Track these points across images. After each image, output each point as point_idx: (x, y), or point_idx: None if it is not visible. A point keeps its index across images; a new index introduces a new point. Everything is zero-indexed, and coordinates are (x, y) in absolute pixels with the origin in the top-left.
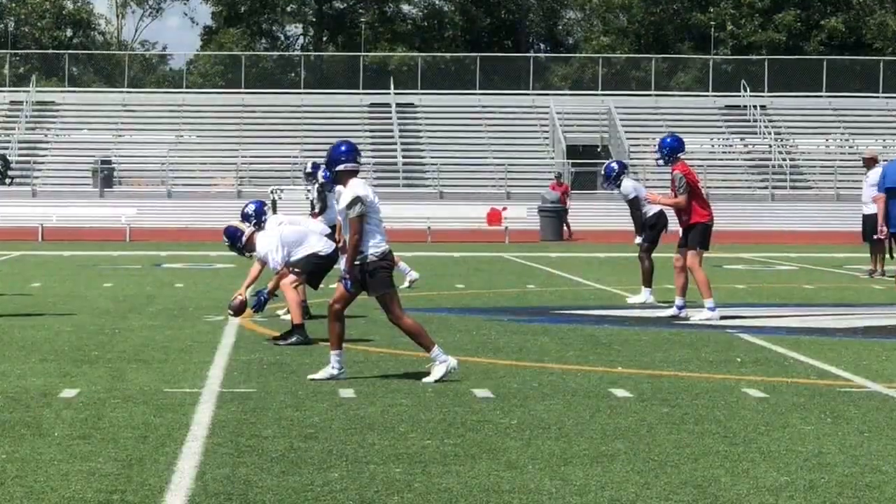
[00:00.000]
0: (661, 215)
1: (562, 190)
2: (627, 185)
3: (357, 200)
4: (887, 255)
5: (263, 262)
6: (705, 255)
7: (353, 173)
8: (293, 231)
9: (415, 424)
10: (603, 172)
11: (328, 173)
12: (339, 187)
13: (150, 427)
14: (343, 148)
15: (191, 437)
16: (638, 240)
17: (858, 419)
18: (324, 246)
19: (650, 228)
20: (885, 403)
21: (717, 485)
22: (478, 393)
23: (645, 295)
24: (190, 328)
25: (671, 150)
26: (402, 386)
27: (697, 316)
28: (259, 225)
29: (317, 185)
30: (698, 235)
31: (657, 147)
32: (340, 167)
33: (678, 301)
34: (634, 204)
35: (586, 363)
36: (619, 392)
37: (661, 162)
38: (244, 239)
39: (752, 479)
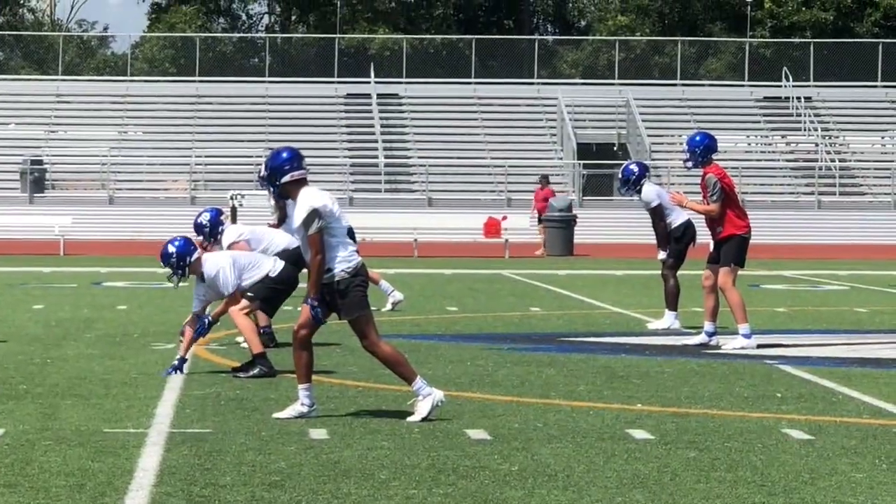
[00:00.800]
0: (688, 226)
1: (544, 195)
2: (649, 190)
3: (314, 214)
4: None
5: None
6: (740, 272)
7: (302, 182)
8: (245, 250)
9: (398, 471)
10: (621, 176)
11: (273, 188)
12: (289, 201)
13: (88, 474)
14: (284, 155)
15: (135, 485)
16: (662, 255)
17: None
18: (275, 266)
19: (675, 241)
20: None
21: None
22: (472, 434)
23: (669, 319)
24: (134, 358)
25: (705, 149)
26: (383, 426)
27: (731, 344)
28: (214, 238)
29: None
30: (733, 250)
31: (686, 146)
32: (286, 178)
33: (708, 327)
34: (657, 213)
35: (600, 399)
36: (639, 433)
37: (689, 164)
38: (192, 258)
39: None
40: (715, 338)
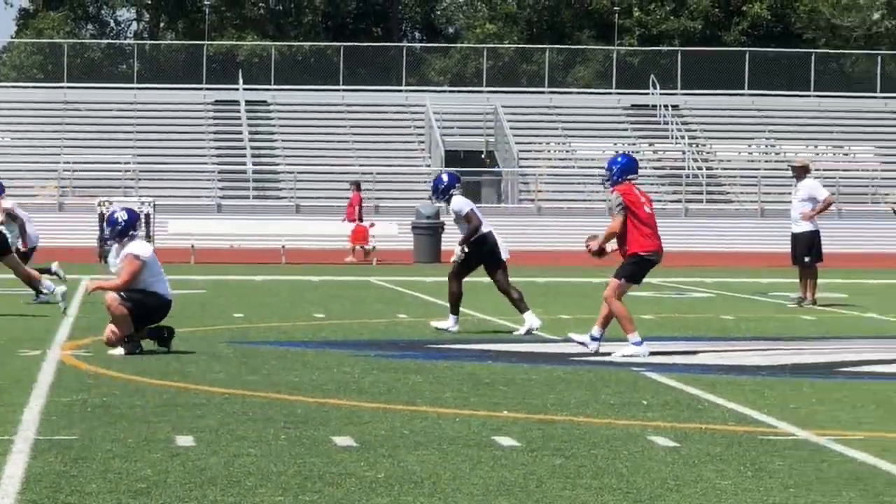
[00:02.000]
0: (488, 236)
1: (357, 201)
2: (459, 200)
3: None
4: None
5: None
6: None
7: None
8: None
9: (264, 478)
10: (432, 184)
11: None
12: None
13: None
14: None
15: (0, 493)
16: (458, 253)
17: (783, 472)
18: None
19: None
20: (814, 454)
21: None
22: (338, 441)
23: (450, 322)
24: (0, 365)
25: (622, 168)
26: (249, 433)
27: (621, 352)
28: (122, 237)
29: None
30: (630, 266)
31: (606, 167)
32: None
33: (595, 331)
34: (469, 220)
35: (466, 406)
36: (505, 440)
37: (608, 183)
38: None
39: None
40: (596, 343)
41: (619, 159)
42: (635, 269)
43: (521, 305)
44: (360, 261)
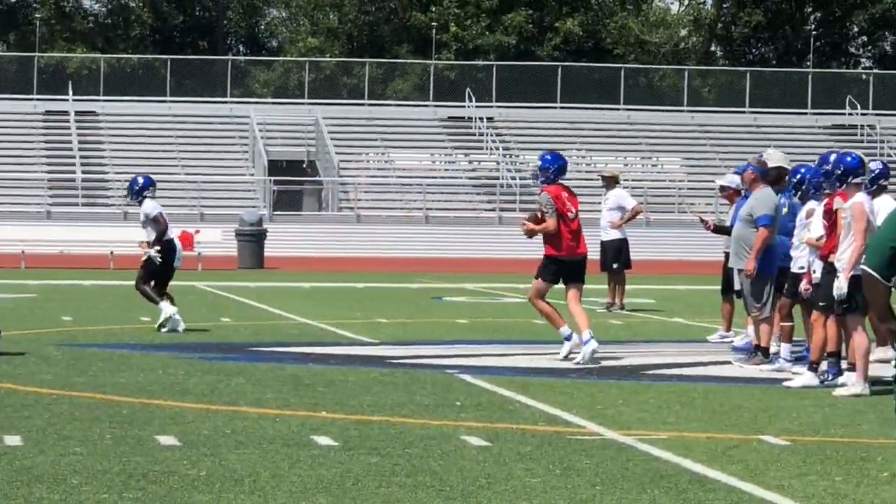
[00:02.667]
0: (173, 241)
1: None
2: (150, 204)
3: None
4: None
5: None
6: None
7: None
8: None
9: (90, 476)
10: (129, 184)
11: None
12: None
13: None
14: None
15: None
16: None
17: (591, 471)
18: None
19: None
20: (620, 453)
21: None
22: (162, 440)
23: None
24: None
25: (560, 169)
26: (75, 432)
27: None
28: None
29: None
30: (544, 266)
31: (542, 166)
32: None
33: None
34: (156, 223)
35: (286, 407)
36: (323, 440)
37: (541, 181)
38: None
39: None
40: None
41: (550, 158)
42: (553, 270)
43: (157, 296)
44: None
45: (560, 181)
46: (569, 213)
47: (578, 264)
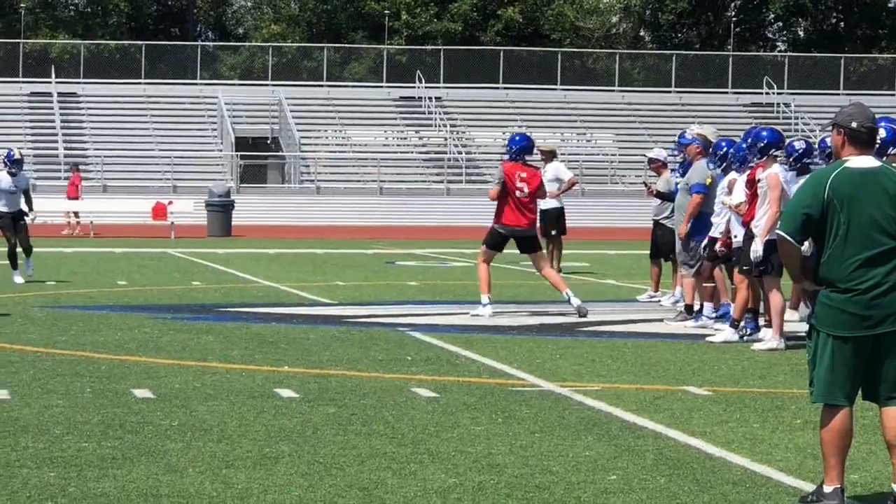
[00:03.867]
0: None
1: (75, 181)
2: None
3: None
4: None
5: None
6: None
7: None
8: None
9: (71, 427)
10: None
11: None
12: None
13: None
14: None
15: None
16: None
17: (530, 419)
18: None
19: None
20: (557, 403)
21: (383, 487)
22: (138, 393)
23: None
24: None
25: (521, 149)
26: (58, 387)
27: (473, 311)
28: None
29: None
30: (489, 235)
31: (507, 143)
32: None
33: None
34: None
35: (251, 363)
36: (285, 392)
37: (506, 157)
38: None
39: (421, 482)
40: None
41: (517, 138)
42: (492, 238)
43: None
44: (75, 234)
45: (522, 160)
46: (517, 191)
47: (522, 236)
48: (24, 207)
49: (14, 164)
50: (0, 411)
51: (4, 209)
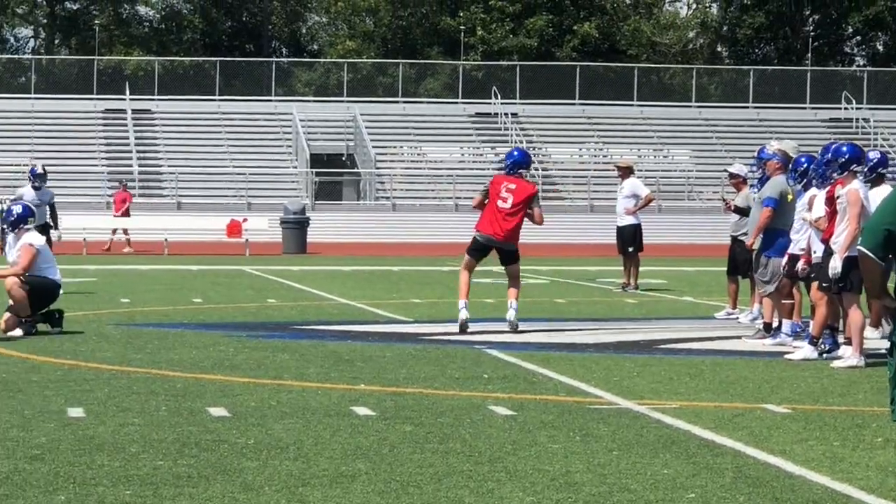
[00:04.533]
0: None
1: (122, 198)
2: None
3: None
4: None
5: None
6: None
7: None
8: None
9: (147, 445)
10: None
11: None
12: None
13: None
14: None
15: None
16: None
17: (608, 437)
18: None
19: None
20: (635, 421)
21: None
22: (213, 412)
23: None
24: None
25: (514, 163)
26: (134, 405)
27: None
28: (15, 228)
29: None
30: (472, 240)
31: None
32: None
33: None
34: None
35: (327, 380)
36: (361, 410)
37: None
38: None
39: (498, 500)
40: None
41: (515, 153)
42: (472, 244)
43: None
44: (117, 251)
45: (516, 174)
46: (498, 201)
47: (499, 248)
48: (50, 221)
49: (37, 178)
50: (76, 429)
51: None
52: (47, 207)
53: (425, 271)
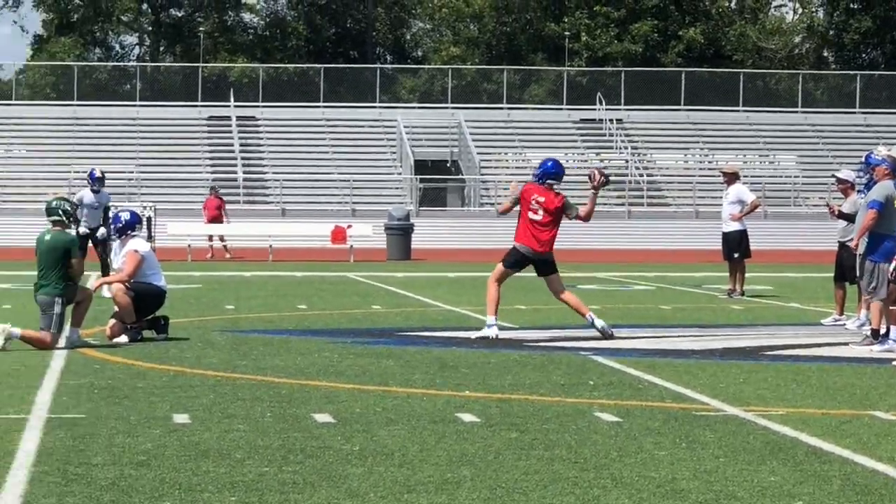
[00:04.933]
0: None
1: (215, 205)
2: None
3: None
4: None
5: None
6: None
7: None
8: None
9: (252, 451)
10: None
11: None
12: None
13: None
14: None
15: (16, 465)
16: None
17: (714, 444)
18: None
19: None
20: (741, 427)
21: None
22: (318, 418)
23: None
24: (17, 351)
25: (544, 173)
26: (239, 411)
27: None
28: (122, 235)
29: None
30: (507, 254)
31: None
32: None
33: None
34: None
35: (432, 387)
36: (466, 417)
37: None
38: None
39: None
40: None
41: (548, 164)
42: (512, 256)
43: None
44: (219, 258)
45: (546, 184)
46: (529, 212)
47: (535, 259)
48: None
49: (96, 182)
50: (181, 435)
51: (85, 225)
52: (102, 210)
53: (529, 278)
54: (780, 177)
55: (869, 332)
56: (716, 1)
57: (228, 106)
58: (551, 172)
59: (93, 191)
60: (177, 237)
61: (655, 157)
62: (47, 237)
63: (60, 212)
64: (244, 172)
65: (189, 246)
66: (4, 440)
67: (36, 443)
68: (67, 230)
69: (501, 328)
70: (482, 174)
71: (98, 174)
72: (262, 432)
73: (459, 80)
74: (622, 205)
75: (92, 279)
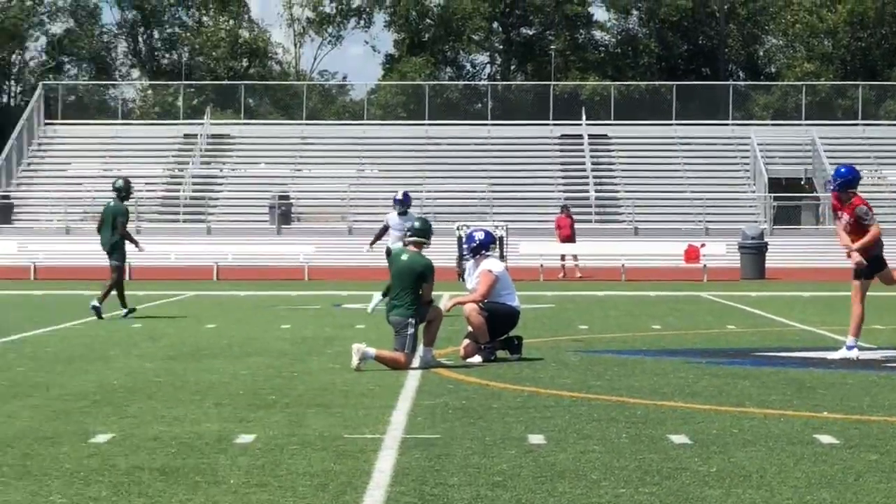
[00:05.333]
0: None
1: (567, 224)
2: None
3: None
4: None
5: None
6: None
7: None
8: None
9: (608, 472)
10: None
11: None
12: None
13: (330, 475)
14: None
15: (373, 485)
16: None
17: None
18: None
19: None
20: None
21: None
22: (675, 439)
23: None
24: (371, 371)
25: (844, 182)
26: (594, 432)
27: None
28: (476, 254)
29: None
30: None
31: (833, 175)
32: None
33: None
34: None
35: (789, 408)
36: (825, 438)
37: (830, 187)
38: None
39: None
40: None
41: (843, 170)
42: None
43: None
44: (571, 277)
45: (853, 192)
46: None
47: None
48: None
49: (399, 205)
50: (536, 456)
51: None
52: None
53: (889, 297)
54: None
55: None
56: None
57: (580, 124)
58: (856, 180)
59: (399, 213)
60: (529, 256)
61: None
62: (404, 257)
63: (420, 233)
64: (596, 191)
65: (541, 266)
66: (360, 460)
67: (392, 462)
68: (423, 251)
69: (859, 348)
70: None
71: (399, 196)
72: (618, 453)
73: (813, 97)
74: None
75: (444, 298)
